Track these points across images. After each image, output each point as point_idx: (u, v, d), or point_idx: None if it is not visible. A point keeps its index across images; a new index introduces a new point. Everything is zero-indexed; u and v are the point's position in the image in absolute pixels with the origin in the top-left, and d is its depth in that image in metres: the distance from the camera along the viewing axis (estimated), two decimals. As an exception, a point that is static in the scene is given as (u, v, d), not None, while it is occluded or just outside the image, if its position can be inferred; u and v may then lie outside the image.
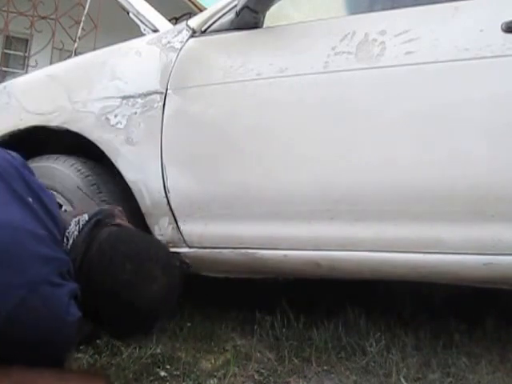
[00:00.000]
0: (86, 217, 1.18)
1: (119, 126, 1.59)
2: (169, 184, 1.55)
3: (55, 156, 1.71)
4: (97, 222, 1.18)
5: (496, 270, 1.35)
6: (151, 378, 1.35)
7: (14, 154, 1.20)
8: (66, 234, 1.13)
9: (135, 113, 1.58)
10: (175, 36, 1.62)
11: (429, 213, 1.37)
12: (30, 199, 1.08)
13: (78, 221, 1.17)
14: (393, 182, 1.38)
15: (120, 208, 1.36)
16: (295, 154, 1.46)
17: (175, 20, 3.41)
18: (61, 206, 1.59)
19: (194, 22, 1.62)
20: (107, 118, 1.61)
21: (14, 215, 1.02)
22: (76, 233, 1.14)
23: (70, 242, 1.13)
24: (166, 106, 1.55)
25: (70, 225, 1.15)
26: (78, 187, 1.62)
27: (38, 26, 5.59)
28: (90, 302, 1.09)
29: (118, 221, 1.23)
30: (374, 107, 1.40)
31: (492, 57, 1.31)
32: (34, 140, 1.75)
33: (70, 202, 1.61)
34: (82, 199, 1.59)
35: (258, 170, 1.49)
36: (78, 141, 1.66)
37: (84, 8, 5.40)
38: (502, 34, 1.31)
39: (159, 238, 1.57)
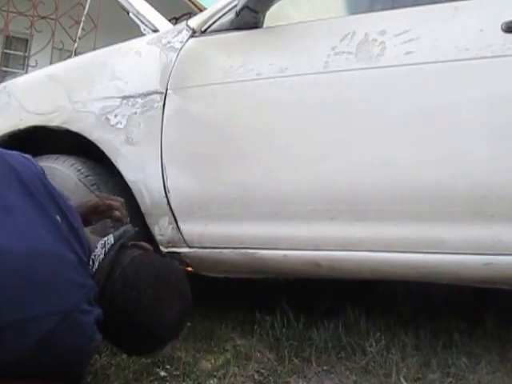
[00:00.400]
0: (111, 239, 1.20)
1: (119, 125, 1.59)
2: (169, 184, 1.55)
3: (55, 156, 1.71)
4: (121, 245, 1.20)
5: (496, 270, 1.35)
6: (151, 377, 1.35)
7: (32, 159, 1.20)
8: (92, 256, 1.15)
9: (135, 113, 1.58)
10: (175, 36, 1.62)
11: (429, 213, 1.36)
12: (58, 217, 1.09)
13: (104, 244, 1.19)
14: (393, 181, 1.38)
15: (122, 199, 1.37)
16: (295, 154, 1.46)
17: (175, 20, 3.41)
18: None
19: (194, 22, 1.62)
20: (107, 118, 1.61)
21: (46, 240, 1.04)
22: (102, 256, 1.16)
23: (96, 264, 1.15)
24: (166, 106, 1.55)
25: (96, 247, 1.17)
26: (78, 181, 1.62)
27: (38, 26, 5.59)
28: (110, 323, 1.12)
29: (138, 243, 1.26)
30: (373, 107, 1.40)
31: (492, 57, 1.31)
32: (34, 140, 1.75)
33: (70, 202, 1.61)
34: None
35: (257, 169, 1.49)
36: (78, 141, 1.66)
37: (84, 8, 5.41)
38: (502, 34, 1.31)
39: (159, 238, 1.57)
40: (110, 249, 1.18)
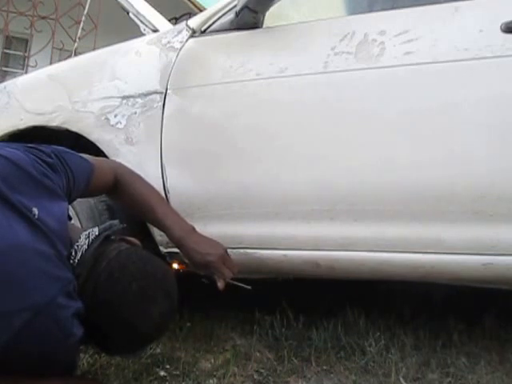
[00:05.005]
0: (96, 231, 1.17)
1: (119, 125, 1.59)
2: (168, 184, 1.55)
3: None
4: (106, 237, 1.17)
5: (495, 270, 1.35)
6: (151, 377, 1.36)
7: (16, 147, 1.16)
8: (75, 246, 1.12)
9: (135, 113, 1.58)
10: (175, 36, 1.62)
11: (428, 213, 1.37)
12: (35, 209, 1.04)
13: (89, 234, 1.15)
14: (392, 181, 1.39)
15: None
16: (295, 154, 1.46)
17: (175, 20, 3.40)
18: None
19: (194, 22, 1.62)
20: (107, 118, 1.61)
21: (19, 234, 0.99)
22: (85, 247, 1.12)
23: (79, 255, 1.11)
24: (165, 106, 1.56)
25: (79, 238, 1.14)
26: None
27: (38, 26, 5.60)
28: (90, 317, 1.08)
29: (126, 237, 1.23)
30: (373, 107, 1.40)
31: (492, 57, 1.31)
32: (34, 140, 1.75)
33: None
34: (81, 199, 1.59)
35: (257, 170, 1.50)
36: (78, 141, 1.66)
37: (84, 8, 5.41)
38: (502, 34, 1.31)
39: (159, 238, 1.57)
40: (94, 240, 1.14)
